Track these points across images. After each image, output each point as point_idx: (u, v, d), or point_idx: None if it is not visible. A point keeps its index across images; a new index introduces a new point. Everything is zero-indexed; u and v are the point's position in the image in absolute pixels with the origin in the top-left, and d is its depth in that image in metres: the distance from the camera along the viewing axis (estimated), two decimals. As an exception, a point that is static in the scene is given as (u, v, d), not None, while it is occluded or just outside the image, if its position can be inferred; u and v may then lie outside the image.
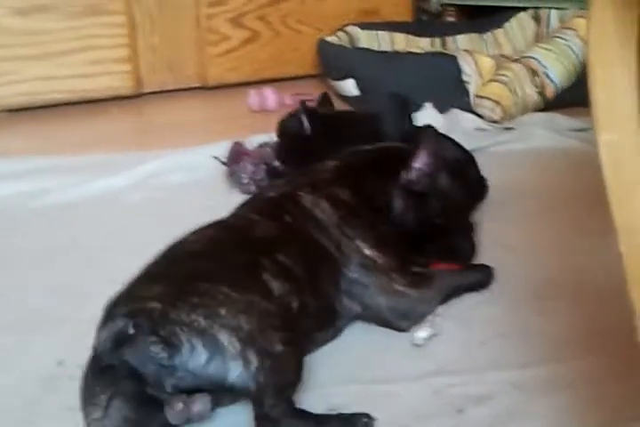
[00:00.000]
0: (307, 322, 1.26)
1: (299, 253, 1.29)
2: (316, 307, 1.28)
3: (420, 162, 1.40)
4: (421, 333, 1.32)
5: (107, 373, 1.11)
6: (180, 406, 1.09)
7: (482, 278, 1.45)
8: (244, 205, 1.43)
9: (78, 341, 1.34)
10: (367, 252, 1.35)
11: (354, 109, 2.31)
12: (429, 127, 1.40)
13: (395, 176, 1.42)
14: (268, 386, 1.10)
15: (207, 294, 1.15)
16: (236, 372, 1.10)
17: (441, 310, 1.38)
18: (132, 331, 1.10)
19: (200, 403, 1.10)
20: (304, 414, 1.12)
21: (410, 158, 1.41)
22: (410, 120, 1.54)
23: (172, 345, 1.09)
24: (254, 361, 1.10)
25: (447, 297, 1.41)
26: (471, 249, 1.50)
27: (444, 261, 1.47)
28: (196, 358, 1.09)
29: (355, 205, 1.39)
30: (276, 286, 1.22)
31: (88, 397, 1.11)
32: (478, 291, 1.44)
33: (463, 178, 1.49)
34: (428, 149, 1.41)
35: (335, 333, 1.34)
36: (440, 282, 1.41)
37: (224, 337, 1.10)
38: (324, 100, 1.93)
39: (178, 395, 1.09)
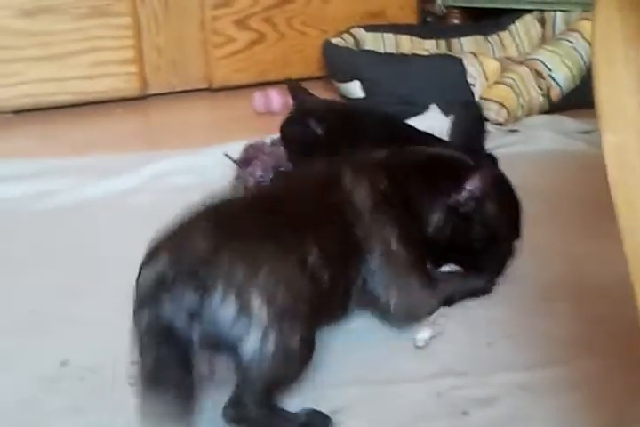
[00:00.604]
0: (330, 303, 1.25)
1: (333, 233, 1.28)
2: (340, 290, 1.28)
3: (472, 185, 1.37)
4: (423, 334, 1.32)
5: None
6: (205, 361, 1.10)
7: (485, 286, 1.45)
8: (286, 177, 1.41)
9: (82, 341, 1.35)
10: (393, 244, 1.33)
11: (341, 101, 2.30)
12: (490, 155, 1.37)
13: (442, 188, 1.39)
14: (263, 377, 1.10)
15: (252, 250, 1.14)
16: (253, 343, 1.09)
17: (444, 310, 1.38)
18: (171, 274, 1.11)
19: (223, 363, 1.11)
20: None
21: (464, 178, 1.38)
22: (481, 129, 1.50)
23: (206, 290, 1.08)
24: (271, 347, 1.10)
25: (448, 301, 1.40)
26: (495, 276, 1.48)
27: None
28: (224, 310, 1.08)
29: (391, 197, 1.37)
30: (314, 262, 1.21)
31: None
32: (479, 297, 1.44)
33: (508, 213, 1.46)
34: (484, 175, 1.38)
35: (342, 318, 1.34)
36: (446, 285, 1.41)
37: (257, 301, 1.09)
38: (296, 88, 1.82)
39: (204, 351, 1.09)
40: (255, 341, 1.09)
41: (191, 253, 1.13)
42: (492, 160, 1.35)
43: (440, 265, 1.47)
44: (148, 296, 1.13)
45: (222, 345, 1.10)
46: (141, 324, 1.13)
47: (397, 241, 1.34)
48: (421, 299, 1.36)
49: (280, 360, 1.11)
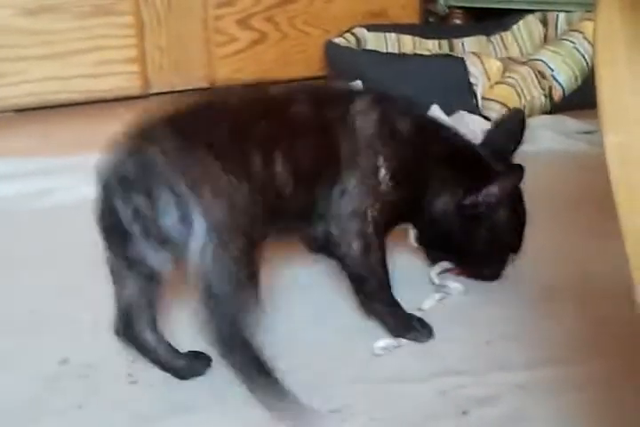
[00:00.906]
0: (285, 214, 1.29)
1: (316, 146, 1.30)
2: (302, 204, 1.31)
3: (491, 191, 1.37)
4: (381, 343, 1.31)
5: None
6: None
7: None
8: (299, 88, 1.44)
9: (82, 340, 1.36)
10: (382, 173, 1.34)
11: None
12: (521, 167, 1.37)
13: (460, 180, 1.39)
14: (211, 291, 1.16)
15: (200, 160, 1.18)
16: (193, 254, 1.15)
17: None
18: (126, 173, 1.20)
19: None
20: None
21: (486, 181, 1.37)
22: (520, 139, 1.50)
23: (151, 196, 1.16)
24: (209, 258, 1.15)
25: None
26: (491, 277, 1.50)
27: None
28: (166, 220, 1.16)
29: (401, 144, 1.37)
30: (281, 173, 1.25)
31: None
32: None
33: (515, 224, 1.45)
34: (505, 185, 1.38)
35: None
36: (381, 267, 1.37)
37: (196, 212, 1.15)
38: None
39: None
40: (195, 251, 1.15)
41: (146, 158, 1.18)
42: (520, 169, 1.35)
43: (434, 259, 1.48)
44: (105, 188, 1.26)
45: (174, 250, 1.18)
46: (97, 211, 1.28)
47: (386, 172, 1.35)
48: (365, 243, 1.34)
49: (220, 273, 1.16)
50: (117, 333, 1.25)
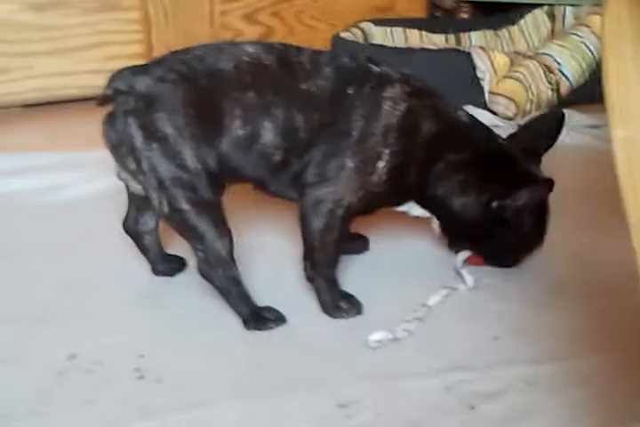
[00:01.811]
0: (281, 176, 1.38)
1: (322, 118, 1.35)
2: (299, 167, 1.37)
3: (519, 198, 1.39)
4: (375, 336, 1.31)
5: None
6: None
7: None
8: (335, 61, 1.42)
9: (90, 334, 1.36)
10: (380, 165, 1.36)
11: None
12: (551, 181, 1.39)
13: (488, 182, 1.41)
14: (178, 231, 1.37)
15: (172, 116, 1.31)
16: (155, 204, 1.35)
17: (419, 313, 1.38)
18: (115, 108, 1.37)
19: None
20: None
21: (513, 187, 1.39)
22: (554, 139, 1.50)
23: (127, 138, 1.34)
24: (165, 210, 1.34)
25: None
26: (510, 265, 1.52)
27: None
28: (128, 165, 1.35)
29: (415, 143, 1.38)
30: (270, 139, 1.34)
31: None
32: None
33: (539, 227, 1.47)
34: (533, 195, 1.40)
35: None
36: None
37: (145, 166, 1.32)
38: None
39: None
40: (155, 202, 1.34)
41: (135, 98, 1.34)
42: (549, 183, 1.37)
43: (456, 250, 1.50)
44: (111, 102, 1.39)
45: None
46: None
47: (382, 160, 1.37)
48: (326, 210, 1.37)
49: (178, 222, 1.34)
50: (125, 224, 1.51)
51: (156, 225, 1.51)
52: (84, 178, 1.96)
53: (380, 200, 1.43)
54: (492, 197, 1.39)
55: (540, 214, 1.46)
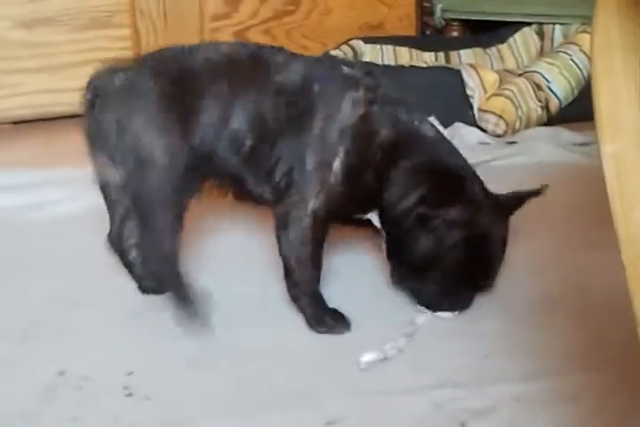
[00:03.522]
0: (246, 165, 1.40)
1: (289, 110, 1.38)
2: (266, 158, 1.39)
3: (450, 214, 1.35)
4: (367, 356, 1.29)
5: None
6: None
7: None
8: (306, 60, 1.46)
9: (78, 351, 1.35)
10: (335, 165, 1.37)
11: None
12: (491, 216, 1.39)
13: (429, 190, 1.38)
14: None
15: (147, 111, 1.37)
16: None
17: (405, 331, 1.37)
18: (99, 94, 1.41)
19: None
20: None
21: (449, 202, 1.36)
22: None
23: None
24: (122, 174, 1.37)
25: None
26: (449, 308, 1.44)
27: None
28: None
29: (371, 147, 1.38)
30: (240, 125, 1.38)
31: None
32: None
33: (476, 260, 1.40)
34: (464, 217, 1.36)
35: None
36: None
37: (118, 157, 1.37)
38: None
39: None
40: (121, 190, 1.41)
41: (113, 89, 1.39)
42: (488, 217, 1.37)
43: (398, 280, 1.45)
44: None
45: None
46: None
47: (335, 170, 1.37)
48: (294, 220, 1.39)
49: (136, 208, 1.38)
50: (109, 241, 1.52)
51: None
52: (73, 195, 1.95)
53: (343, 204, 1.41)
54: (424, 204, 1.37)
55: (481, 245, 1.39)
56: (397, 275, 1.44)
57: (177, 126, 1.36)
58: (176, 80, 1.38)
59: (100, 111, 1.39)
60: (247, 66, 1.41)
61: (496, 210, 1.40)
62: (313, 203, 1.37)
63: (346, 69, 1.43)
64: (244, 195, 1.46)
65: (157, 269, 1.43)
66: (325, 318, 1.39)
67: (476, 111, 2.31)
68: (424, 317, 1.41)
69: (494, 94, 2.32)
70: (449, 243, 1.36)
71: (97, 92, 1.41)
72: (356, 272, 1.59)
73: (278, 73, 1.40)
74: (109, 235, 1.51)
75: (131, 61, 1.45)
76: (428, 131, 1.44)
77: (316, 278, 1.41)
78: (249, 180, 1.42)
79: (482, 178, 1.43)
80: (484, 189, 1.42)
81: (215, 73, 1.39)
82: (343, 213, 1.44)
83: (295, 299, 1.41)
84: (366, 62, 2.58)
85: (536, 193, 1.44)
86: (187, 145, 1.37)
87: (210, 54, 1.42)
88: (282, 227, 1.39)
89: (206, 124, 1.38)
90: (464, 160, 1.45)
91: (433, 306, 1.42)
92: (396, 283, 1.45)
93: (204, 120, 1.37)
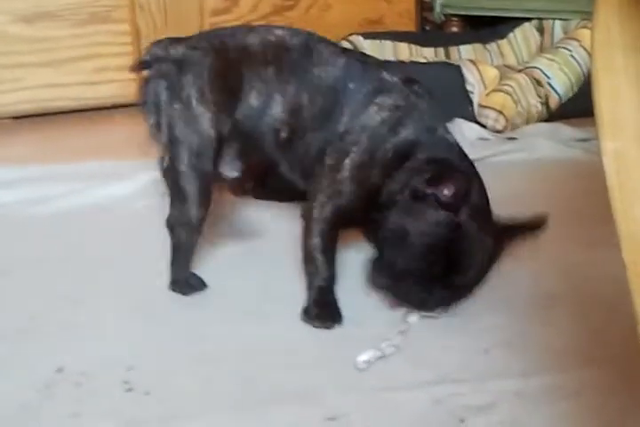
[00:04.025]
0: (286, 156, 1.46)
1: (324, 103, 1.43)
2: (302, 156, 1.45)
3: (450, 189, 1.34)
4: (364, 356, 1.29)
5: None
6: None
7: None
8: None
9: (77, 347, 1.35)
10: (347, 163, 1.40)
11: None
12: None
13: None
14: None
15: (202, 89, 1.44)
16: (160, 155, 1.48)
17: (402, 328, 1.36)
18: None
19: None
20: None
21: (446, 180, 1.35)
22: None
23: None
24: (166, 160, 1.47)
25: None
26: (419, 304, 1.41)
27: None
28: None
29: (382, 151, 1.40)
30: (278, 112, 1.44)
31: None
32: None
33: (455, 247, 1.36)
34: (460, 184, 1.35)
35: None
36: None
37: (164, 126, 1.46)
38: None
39: None
40: (160, 156, 1.48)
41: (169, 58, 1.46)
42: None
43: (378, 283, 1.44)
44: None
45: None
46: None
47: (347, 169, 1.40)
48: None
49: (172, 180, 1.47)
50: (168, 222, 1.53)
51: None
52: (74, 190, 1.96)
53: (350, 205, 1.41)
54: (422, 180, 1.36)
55: (463, 239, 1.35)
56: (377, 272, 1.41)
57: (224, 101, 1.44)
58: (228, 57, 1.46)
59: (154, 77, 1.47)
60: (294, 54, 1.46)
61: (494, 226, 1.39)
62: (321, 197, 1.41)
63: (384, 74, 1.45)
64: (276, 182, 1.51)
65: (178, 236, 1.49)
66: (316, 310, 1.40)
67: (475, 107, 2.31)
68: (416, 314, 1.40)
69: (494, 90, 2.32)
70: (432, 221, 1.34)
71: (154, 58, 1.48)
72: (355, 272, 1.59)
73: (319, 66, 1.45)
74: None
75: (190, 36, 1.52)
76: (450, 138, 1.44)
77: (323, 274, 1.42)
78: (283, 164, 1.47)
79: (481, 174, 1.43)
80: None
81: (264, 56, 1.46)
82: (350, 213, 1.44)
83: (307, 289, 1.43)
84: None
85: (536, 226, 1.43)
86: (231, 120, 1.45)
87: (263, 37, 1.48)
88: (304, 217, 1.44)
89: (249, 104, 1.45)
90: (475, 171, 1.44)
91: (410, 304, 1.40)
92: (375, 281, 1.42)
93: (248, 100, 1.45)
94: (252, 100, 1.45)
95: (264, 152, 1.48)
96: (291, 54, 1.46)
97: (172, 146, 1.45)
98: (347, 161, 1.40)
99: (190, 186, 1.45)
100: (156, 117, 1.47)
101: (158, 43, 1.50)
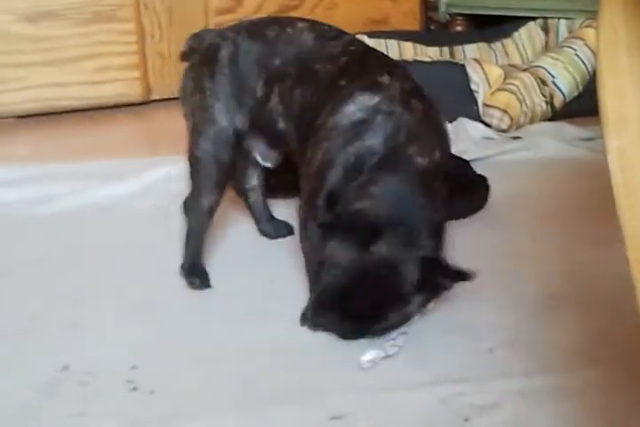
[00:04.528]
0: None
1: (314, 98, 1.41)
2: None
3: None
4: (368, 356, 1.28)
5: None
6: None
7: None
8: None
9: (82, 346, 1.35)
10: (318, 158, 1.36)
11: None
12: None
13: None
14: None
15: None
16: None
17: (403, 329, 1.35)
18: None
19: None
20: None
21: None
22: None
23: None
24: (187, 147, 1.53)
25: None
26: None
27: None
28: None
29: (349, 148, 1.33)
30: (275, 103, 1.46)
31: None
32: None
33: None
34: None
35: None
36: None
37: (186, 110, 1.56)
38: None
39: None
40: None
41: (197, 54, 1.54)
42: None
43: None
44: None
45: None
46: None
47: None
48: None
49: (189, 165, 1.52)
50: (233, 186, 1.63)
51: (260, 183, 1.66)
52: (76, 190, 1.96)
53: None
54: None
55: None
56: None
57: (239, 93, 1.48)
58: (244, 51, 1.50)
59: (186, 69, 1.56)
60: (303, 48, 1.47)
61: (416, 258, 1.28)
62: (307, 197, 1.37)
63: (384, 77, 1.39)
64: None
65: (189, 222, 1.54)
66: (307, 312, 1.37)
67: (480, 106, 2.31)
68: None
69: (499, 89, 2.31)
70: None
71: (190, 50, 1.55)
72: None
73: (323, 61, 1.44)
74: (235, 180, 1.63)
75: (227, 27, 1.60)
76: (417, 162, 1.32)
77: (314, 274, 1.37)
78: (293, 145, 1.47)
79: (486, 173, 1.43)
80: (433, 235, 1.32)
81: (274, 49, 1.48)
82: None
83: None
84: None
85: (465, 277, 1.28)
86: (248, 111, 1.48)
87: (281, 30, 1.50)
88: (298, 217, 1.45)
89: (258, 95, 1.47)
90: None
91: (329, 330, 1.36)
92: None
93: (256, 94, 1.47)
94: (259, 90, 1.47)
95: (276, 135, 1.50)
96: (299, 47, 1.47)
97: (191, 134, 1.51)
98: (318, 157, 1.35)
99: (204, 173, 1.50)
100: (185, 107, 1.54)
101: (195, 34, 1.57)
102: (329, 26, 1.53)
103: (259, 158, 1.58)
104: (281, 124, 1.47)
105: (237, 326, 1.39)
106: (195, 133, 1.51)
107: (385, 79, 1.39)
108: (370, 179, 1.29)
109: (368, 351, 1.29)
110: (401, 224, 1.26)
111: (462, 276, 1.26)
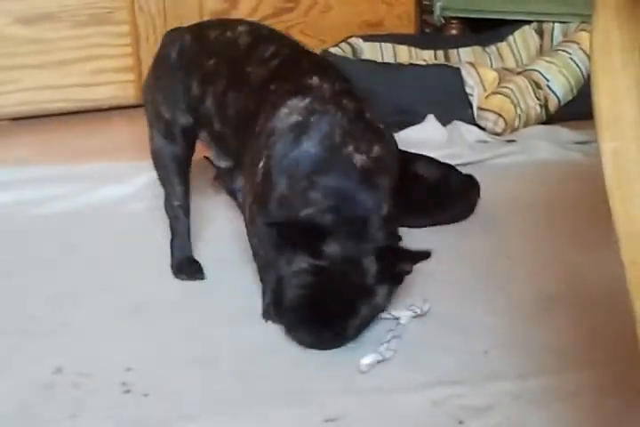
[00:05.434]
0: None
1: (246, 102, 1.43)
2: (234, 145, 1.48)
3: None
4: (366, 360, 1.28)
5: None
6: None
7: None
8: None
9: (76, 348, 1.35)
10: (261, 165, 1.35)
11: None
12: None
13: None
14: None
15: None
16: None
17: (397, 332, 1.35)
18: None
19: None
20: None
21: None
22: None
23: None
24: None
25: None
26: None
27: None
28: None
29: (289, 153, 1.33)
30: (209, 104, 1.48)
31: None
32: None
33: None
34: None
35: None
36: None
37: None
38: None
39: None
40: None
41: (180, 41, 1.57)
42: None
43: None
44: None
45: None
46: None
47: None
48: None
49: (152, 159, 1.58)
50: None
51: None
52: (72, 192, 1.96)
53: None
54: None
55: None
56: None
57: (178, 90, 1.52)
58: (185, 51, 1.54)
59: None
60: (238, 51, 1.49)
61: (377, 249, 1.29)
62: (251, 199, 1.38)
63: (313, 79, 1.37)
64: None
65: (170, 218, 1.59)
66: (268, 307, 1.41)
67: (475, 109, 2.31)
68: (407, 315, 1.39)
69: (493, 93, 2.32)
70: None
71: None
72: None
73: (254, 64, 1.45)
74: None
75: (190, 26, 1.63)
76: (355, 160, 1.32)
77: (262, 267, 1.44)
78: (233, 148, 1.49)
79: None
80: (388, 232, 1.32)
81: (211, 51, 1.51)
82: None
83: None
84: (366, 60, 2.58)
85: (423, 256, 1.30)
86: (189, 108, 1.52)
87: (222, 32, 1.53)
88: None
89: (193, 96, 1.51)
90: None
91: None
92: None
93: (193, 92, 1.51)
94: (194, 89, 1.51)
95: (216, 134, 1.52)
96: (234, 49, 1.49)
97: (148, 129, 1.58)
98: (260, 164, 1.34)
99: (162, 165, 1.58)
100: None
101: (169, 32, 1.64)
102: (272, 31, 1.56)
103: (212, 158, 1.60)
104: (217, 126, 1.49)
105: (233, 327, 1.39)
106: (150, 128, 1.58)
107: (314, 81, 1.38)
108: (310, 184, 1.29)
109: (367, 355, 1.29)
110: (347, 222, 1.28)
111: (420, 256, 1.29)
